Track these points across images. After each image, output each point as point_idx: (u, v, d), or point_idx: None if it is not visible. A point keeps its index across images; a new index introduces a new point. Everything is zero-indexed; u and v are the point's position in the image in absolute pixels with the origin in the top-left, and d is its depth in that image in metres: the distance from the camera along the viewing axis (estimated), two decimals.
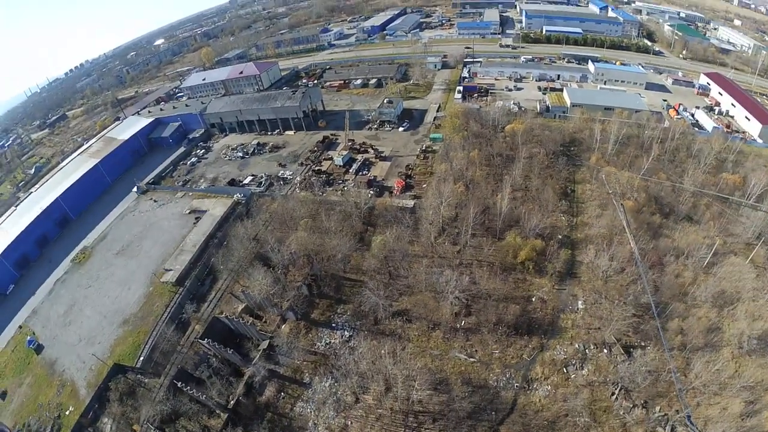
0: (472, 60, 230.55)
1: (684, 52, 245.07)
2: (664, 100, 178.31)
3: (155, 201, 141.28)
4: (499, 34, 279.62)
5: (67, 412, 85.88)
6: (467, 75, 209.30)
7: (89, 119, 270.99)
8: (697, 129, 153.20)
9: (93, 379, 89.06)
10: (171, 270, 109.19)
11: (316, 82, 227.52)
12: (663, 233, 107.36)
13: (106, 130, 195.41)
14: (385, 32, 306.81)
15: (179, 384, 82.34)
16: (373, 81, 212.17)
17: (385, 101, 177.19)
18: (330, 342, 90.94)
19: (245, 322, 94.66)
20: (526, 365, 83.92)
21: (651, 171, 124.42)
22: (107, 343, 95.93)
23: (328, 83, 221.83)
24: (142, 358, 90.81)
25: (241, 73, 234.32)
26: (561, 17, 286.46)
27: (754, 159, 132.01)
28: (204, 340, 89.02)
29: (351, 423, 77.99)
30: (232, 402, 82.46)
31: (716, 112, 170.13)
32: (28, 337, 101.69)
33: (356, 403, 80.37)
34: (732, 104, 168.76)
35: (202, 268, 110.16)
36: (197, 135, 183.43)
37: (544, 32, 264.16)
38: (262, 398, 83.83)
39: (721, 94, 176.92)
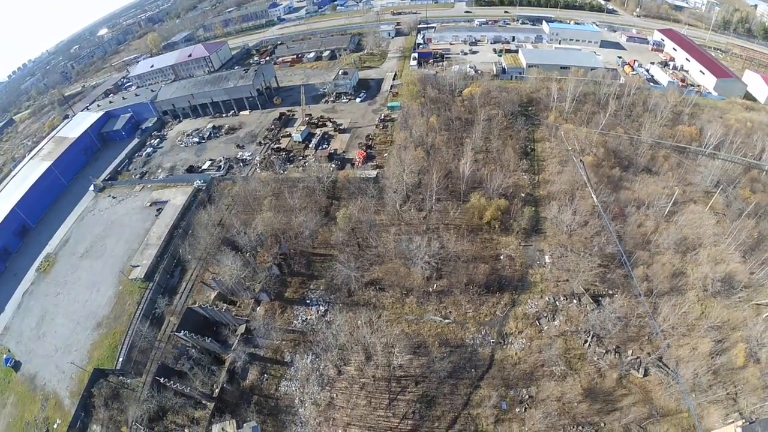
0: (426, 26, 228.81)
1: (638, 9, 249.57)
2: (619, 57, 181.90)
3: (114, 197, 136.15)
4: None
5: (54, 426, 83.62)
6: (422, 41, 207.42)
7: (37, 121, 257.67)
8: (652, 84, 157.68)
9: (75, 388, 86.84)
10: (138, 266, 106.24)
11: (268, 58, 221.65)
12: (623, 186, 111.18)
13: (55, 130, 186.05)
14: (336, 3, 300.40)
15: (162, 380, 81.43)
16: (326, 53, 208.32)
17: (340, 73, 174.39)
18: (306, 318, 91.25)
19: (219, 309, 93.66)
20: (500, 321, 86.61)
21: (609, 126, 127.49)
22: (84, 349, 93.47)
23: (280, 59, 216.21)
24: (121, 360, 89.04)
25: (190, 56, 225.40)
26: None
27: (710, 111, 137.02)
28: (180, 332, 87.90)
29: (336, 395, 79.15)
30: (216, 390, 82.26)
31: (671, 67, 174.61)
32: (4, 356, 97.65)
33: (339, 376, 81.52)
34: (686, 59, 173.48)
35: (170, 260, 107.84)
36: (150, 124, 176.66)
37: None
38: (246, 382, 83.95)
39: (675, 50, 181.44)
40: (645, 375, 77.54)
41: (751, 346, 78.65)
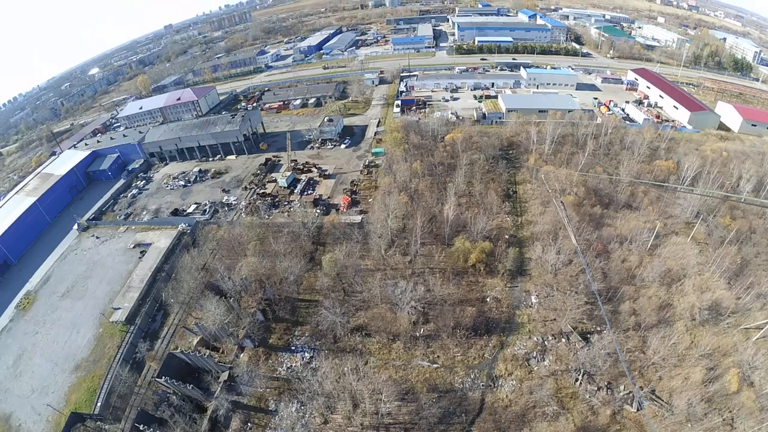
0: (408, 74, 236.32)
1: (611, 51, 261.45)
2: (595, 98, 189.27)
3: (97, 237, 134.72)
4: (433, 47, 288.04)
5: None
6: (404, 89, 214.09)
7: (24, 155, 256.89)
8: (628, 122, 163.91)
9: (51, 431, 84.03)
10: (120, 308, 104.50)
11: (255, 104, 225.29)
12: (605, 223, 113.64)
13: (42, 166, 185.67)
14: (321, 51, 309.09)
15: (141, 427, 78.71)
16: (312, 100, 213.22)
17: (325, 120, 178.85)
18: (291, 366, 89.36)
19: (202, 355, 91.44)
20: (489, 364, 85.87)
21: (588, 166, 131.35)
22: (62, 392, 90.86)
23: (267, 105, 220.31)
24: (99, 404, 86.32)
25: (179, 99, 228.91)
26: (492, 28, 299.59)
27: (686, 144, 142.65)
28: (161, 378, 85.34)
29: None
30: None
31: (645, 105, 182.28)
32: None
33: (325, 425, 79.14)
34: (660, 96, 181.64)
35: (152, 303, 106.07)
36: (137, 166, 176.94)
37: (476, 43, 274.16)
38: (229, 431, 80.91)
39: (649, 88, 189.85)
40: (639, 409, 76.87)
41: (744, 371, 79.28)
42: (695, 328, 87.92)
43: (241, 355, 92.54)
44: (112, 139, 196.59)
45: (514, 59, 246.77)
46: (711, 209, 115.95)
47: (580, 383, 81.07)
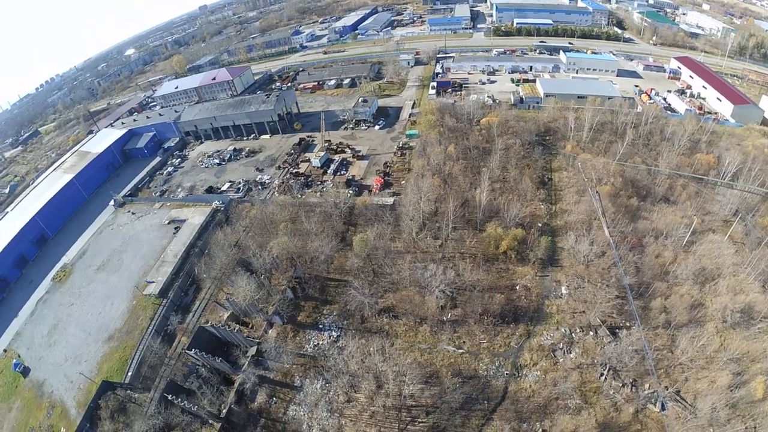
0: (444, 55, 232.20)
1: (654, 38, 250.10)
2: (636, 86, 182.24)
3: (133, 213, 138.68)
4: (470, 29, 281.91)
5: None
6: (440, 70, 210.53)
7: (62, 134, 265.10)
8: (669, 112, 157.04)
9: (82, 398, 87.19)
10: (153, 282, 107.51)
11: (289, 84, 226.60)
12: (641, 215, 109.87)
13: (79, 144, 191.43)
14: (357, 32, 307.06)
15: (170, 396, 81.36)
16: (346, 81, 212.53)
17: (359, 100, 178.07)
18: (318, 343, 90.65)
19: (232, 329, 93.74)
20: (515, 353, 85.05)
21: (626, 155, 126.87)
22: (94, 361, 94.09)
23: (302, 85, 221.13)
24: (130, 374, 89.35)
25: (214, 79, 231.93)
26: (531, 9, 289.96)
27: (728, 138, 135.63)
28: (191, 350, 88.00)
29: (345, 423, 77.85)
30: (224, 411, 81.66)
31: (688, 95, 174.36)
32: (14, 361, 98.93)
33: (348, 403, 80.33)
34: (703, 86, 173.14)
35: (185, 278, 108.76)
36: (172, 144, 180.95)
37: (515, 25, 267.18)
38: (254, 404, 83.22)
39: (692, 77, 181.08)
40: (662, 409, 75.04)
41: None
42: (726, 330, 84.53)
43: (270, 331, 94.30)
44: (148, 118, 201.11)
45: (570, 43, 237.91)
46: (750, 208, 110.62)
47: (605, 378, 79.56)
